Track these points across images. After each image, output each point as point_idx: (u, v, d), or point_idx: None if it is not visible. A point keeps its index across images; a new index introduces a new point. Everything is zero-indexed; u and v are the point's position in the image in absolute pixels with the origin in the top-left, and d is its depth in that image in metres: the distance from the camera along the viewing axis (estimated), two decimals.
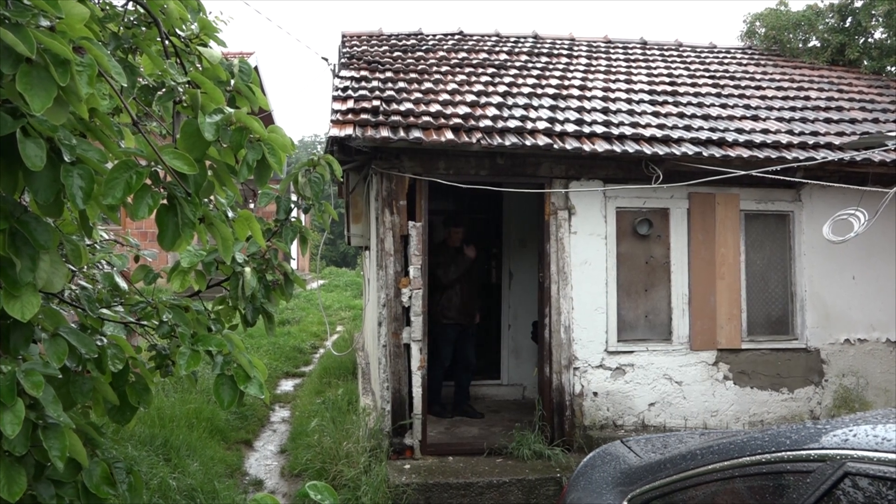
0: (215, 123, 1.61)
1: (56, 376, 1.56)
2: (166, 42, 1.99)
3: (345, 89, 6.56)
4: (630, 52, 9.62)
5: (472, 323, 7.24)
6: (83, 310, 2.02)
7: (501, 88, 7.15)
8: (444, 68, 7.78)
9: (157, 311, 2.14)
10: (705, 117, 6.91)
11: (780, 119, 7.14)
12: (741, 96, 7.80)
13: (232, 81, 1.94)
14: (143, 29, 2.31)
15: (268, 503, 1.64)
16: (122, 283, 2.29)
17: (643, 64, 8.93)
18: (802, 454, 2.11)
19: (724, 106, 7.39)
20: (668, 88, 7.82)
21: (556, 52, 9.15)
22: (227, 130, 1.64)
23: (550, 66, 8.29)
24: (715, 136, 6.32)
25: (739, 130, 6.56)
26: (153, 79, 2.22)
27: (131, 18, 2.32)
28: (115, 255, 2.43)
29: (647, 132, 6.23)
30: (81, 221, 1.75)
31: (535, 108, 6.59)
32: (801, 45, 10.05)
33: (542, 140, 5.86)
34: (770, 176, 5.95)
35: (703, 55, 9.72)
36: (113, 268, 2.35)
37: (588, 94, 7.28)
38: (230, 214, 1.89)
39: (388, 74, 7.28)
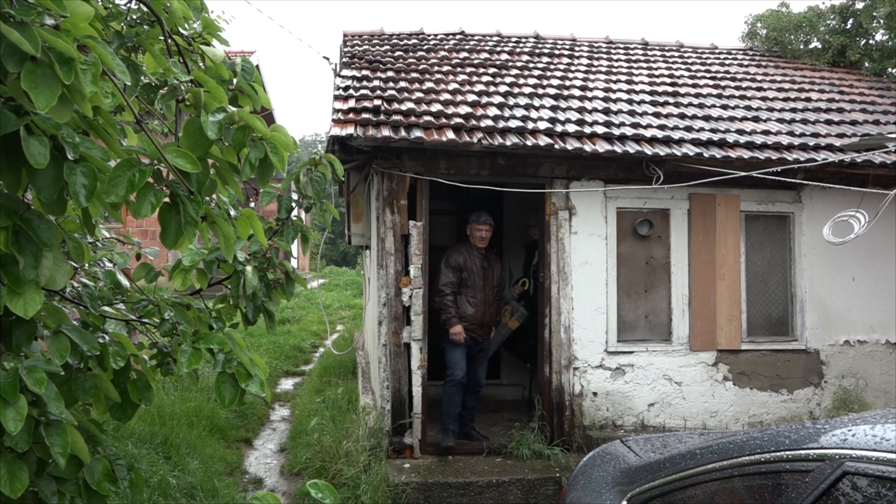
0: (218, 122, 1.61)
1: (58, 373, 1.57)
2: (169, 41, 2.00)
3: (346, 88, 6.57)
4: (631, 52, 9.62)
5: (487, 337, 6.25)
6: (85, 307, 2.03)
7: (503, 88, 7.15)
8: (445, 68, 7.78)
9: (159, 308, 2.15)
10: (706, 118, 6.91)
11: (780, 120, 7.14)
12: (742, 97, 7.79)
13: (234, 80, 1.95)
14: (146, 27, 2.32)
15: (269, 501, 1.65)
16: (124, 281, 2.30)
17: (644, 64, 8.93)
18: (801, 454, 2.11)
19: (724, 107, 7.39)
20: (670, 89, 7.82)
21: (557, 52, 9.15)
22: (229, 129, 1.64)
23: (552, 67, 8.29)
24: (716, 136, 6.32)
25: (740, 131, 6.56)
26: (156, 77, 2.23)
27: (134, 17, 2.33)
28: (117, 252, 2.43)
29: (648, 133, 6.23)
30: (84, 219, 1.76)
31: (536, 109, 6.59)
32: (802, 47, 10.03)
33: (543, 140, 5.87)
34: (770, 177, 5.95)
35: (704, 56, 9.71)
36: (115, 265, 2.36)
37: (589, 94, 7.27)
38: (232, 213, 1.90)
39: (390, 74, 7.28)
